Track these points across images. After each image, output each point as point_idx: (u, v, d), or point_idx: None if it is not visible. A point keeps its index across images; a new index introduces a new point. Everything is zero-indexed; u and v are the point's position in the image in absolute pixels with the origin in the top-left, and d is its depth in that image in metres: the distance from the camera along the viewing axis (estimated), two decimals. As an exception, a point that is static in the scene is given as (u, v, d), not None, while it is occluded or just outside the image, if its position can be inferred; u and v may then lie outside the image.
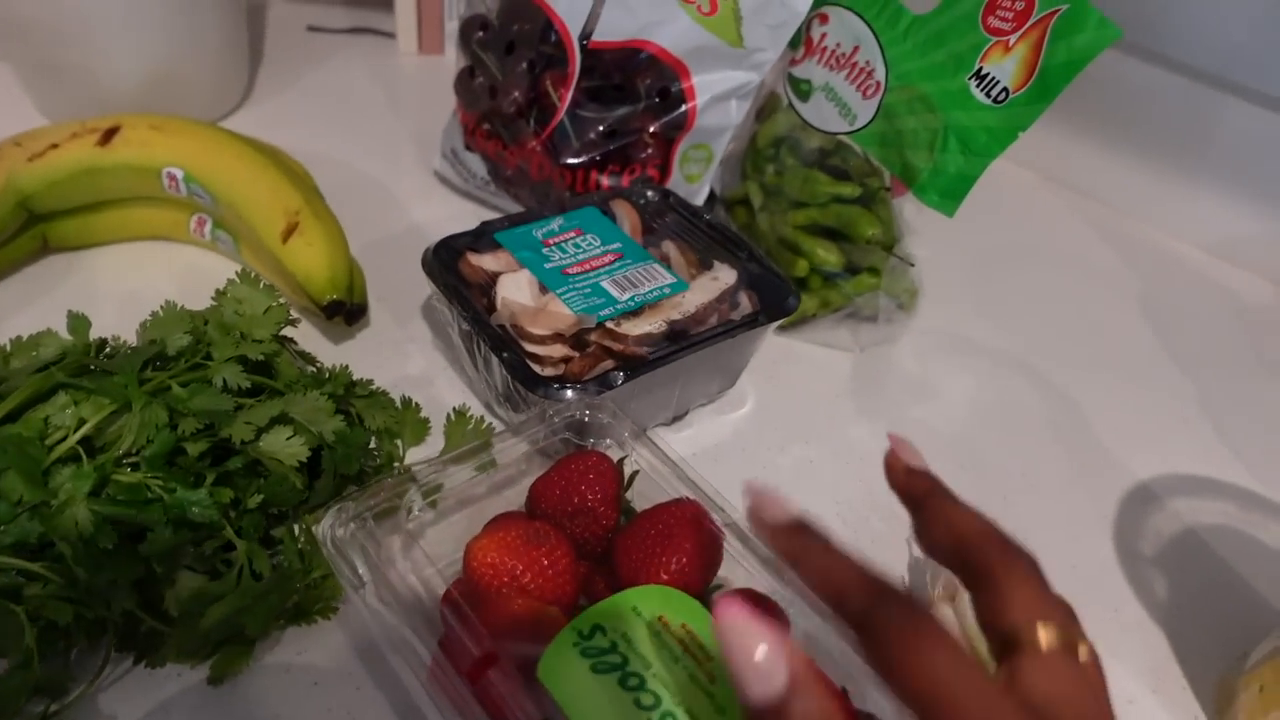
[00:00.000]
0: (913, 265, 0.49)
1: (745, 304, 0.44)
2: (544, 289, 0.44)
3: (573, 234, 0.46)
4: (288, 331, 0.39)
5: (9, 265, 0.47)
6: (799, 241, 0.50)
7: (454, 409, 0.39)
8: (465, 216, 0.58)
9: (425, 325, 0.49)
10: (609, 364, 0.40)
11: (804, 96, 0.52)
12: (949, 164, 0.44)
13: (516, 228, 0.47)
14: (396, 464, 0.38)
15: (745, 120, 0.54)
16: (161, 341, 0.35)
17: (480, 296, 0.42)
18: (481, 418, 0.39)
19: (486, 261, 0.45)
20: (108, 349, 0.36)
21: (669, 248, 0.46)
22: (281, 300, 0.38)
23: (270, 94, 0.67)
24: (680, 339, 0.41)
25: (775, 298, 0.44)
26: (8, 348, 0.35)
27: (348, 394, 0.38)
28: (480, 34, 0.54)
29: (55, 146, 0.45)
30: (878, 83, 0.47)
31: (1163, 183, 0.67)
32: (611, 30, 0.48)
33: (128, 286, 0.48)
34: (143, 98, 0.56)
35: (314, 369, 0.39)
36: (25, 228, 0.47)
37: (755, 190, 0.54)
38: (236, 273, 0.38)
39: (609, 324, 0.41)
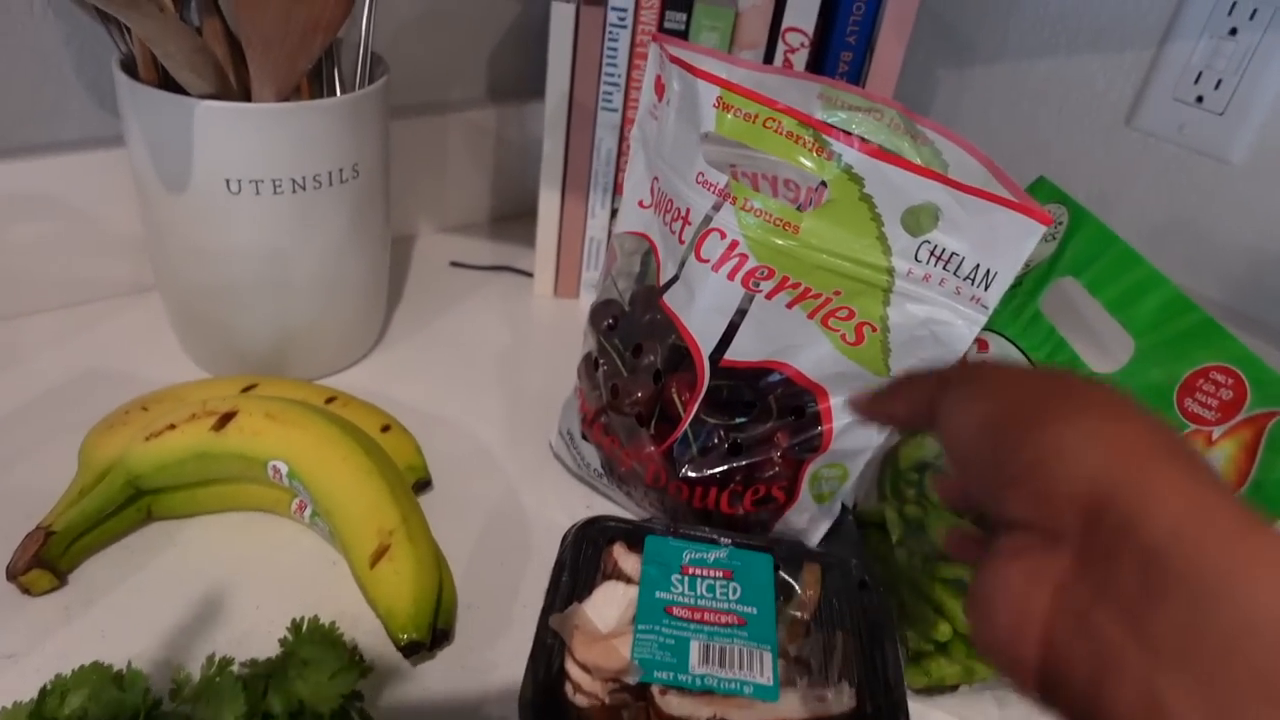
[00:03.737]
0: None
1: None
2: (632, 619, 0.40)
3: (720, 574, 0.42)
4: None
5: (111, 537, 0.46)
6: (943, 601, 0.44)
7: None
8: (574, 504, 0.54)
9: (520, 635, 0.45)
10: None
11: (956, 430, 0.47)
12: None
13: (673, 539, 0.43)
14: None
15: (888, 438, 0.49)
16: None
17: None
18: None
19: (627, 562, 0.42)
20: (161, 706, 0.33)
21: (838, 641, 0.41)
22: (356, 656, 0.34)
23: (404, 335, 0.67)
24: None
25: None
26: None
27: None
28: (609, 322, 0.52)
29: (173, 428, 0.45)
30: (1045, 442, 0.42)
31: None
32: (745, 351, 0.45)
33: (226, 561, 0.47)
34: (278, 352, 0.57)
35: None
36: (131, 500, 0.46)
37: (894, 519, 0.48)
38: (307, 623, 0.35)
39: (654, 689, 0.36)
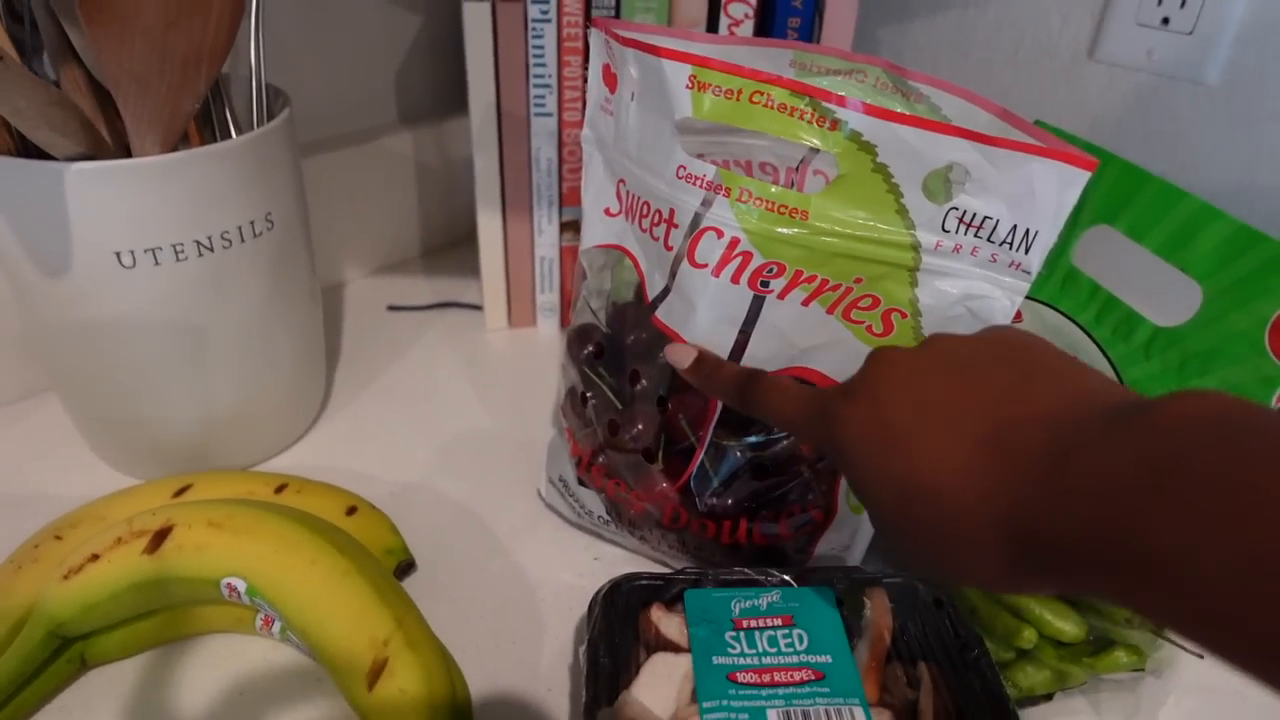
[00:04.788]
0: (1200, 656, 0.37)
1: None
2: (694, 695, 0.33)
3: (779, 621, 0.36)
4: None
5: (40, 699, 0.38)
6: (1022, 604, 0.39)
7: None
8: (580, 559, 0.48)
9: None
10: None
11: (1002, 413, 0.42)
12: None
13: (715, 589, 0.37)
14: None
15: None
16: None
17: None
18: None
19: (670, 625, 0.36)
20: None
21: (923, 673, 0.35)
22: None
23: (350, 397, 0.59)
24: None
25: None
26: None
27: None
28: (590, 350, 0.46)
29: (96, 558, 0.37)
30: (1117, 414, 0.37)
31: None
32: (761, 361, 0.39)
33: (188, 703, 0.39)
34: (207, 442, 0.49)
35: None
36: (58, 651, 0.38)
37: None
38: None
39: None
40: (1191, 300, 0.36)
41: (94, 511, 0.43)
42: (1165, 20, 0.58)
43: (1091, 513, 0.20)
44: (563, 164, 0.61)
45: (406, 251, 0.76)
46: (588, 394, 0.46)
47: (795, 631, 0.35)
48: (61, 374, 0.48)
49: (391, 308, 0.69)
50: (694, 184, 0.37)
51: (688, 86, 0.36)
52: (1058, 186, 0.34)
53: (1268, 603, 0.17)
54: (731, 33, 0.57)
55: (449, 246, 0.79)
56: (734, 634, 0.35)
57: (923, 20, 0.71)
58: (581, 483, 0.47)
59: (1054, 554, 0.22)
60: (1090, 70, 0.63)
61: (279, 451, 0.53)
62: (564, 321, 0.68)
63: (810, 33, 0.57)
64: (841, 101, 0.34)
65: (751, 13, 0.56)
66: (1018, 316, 0.42)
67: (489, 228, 0.63)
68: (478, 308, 0.70)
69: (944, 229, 0.36)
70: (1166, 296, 0.37)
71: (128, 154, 0.43)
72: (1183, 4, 0.57)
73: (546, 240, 0.63)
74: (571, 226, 0.63)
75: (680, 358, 0.38)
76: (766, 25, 0.57)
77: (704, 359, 0.37)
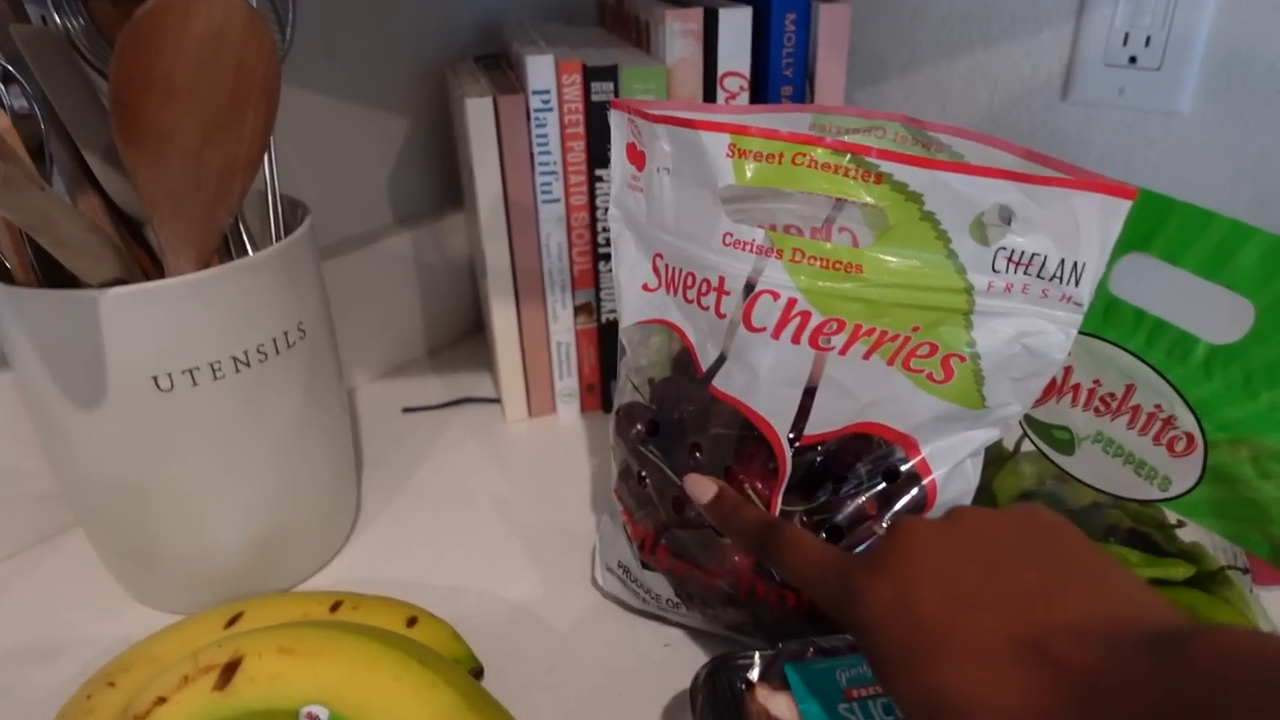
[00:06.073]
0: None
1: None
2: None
3: None
4: None
5: None
6: None
7: None
8: (649, 646, 0.46)
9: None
10: None
11: (1064, 447, 0.42)
12: (1358, 546, 0.33)
13: (816, 662, 0.36)
14: None
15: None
16: None
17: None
18: None
19: (778, 704, 0.35)
20: None
21: None
22: None
23: (380, 505, 0.58)
24: None
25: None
26: None
27: None
28: (639, 429, 0.45)
29: (162, 701, 0.35)
30: (1188, 435, 0.37)
31: None
32: (828, 421, 0.39)
33: None
34: (249, 565, 0.47)
35: None
36: (126, 808, 0.35)
37: (1017, 562, 0.42)
38: None
39: None
40: (1244, 316, 0.36)
41: (145, 652, 0.40)
42: (1133, 59, 0.61)
43: None
44: (572, 248, 0.61)
45: (413, 352, 0.75)
46: (643, 473, 0.45)
47: (905, 694, 0.34)
48: (93, 510, 0.46)
49: (406, 409, 0.68)
50: (743, 249, 0.38)
51: (728, 155, 0.37)
52: (1100, 217, 0.35)
53: None
54: (729, 105, 0.58)
55: (454, 343, 0.78)
56: (846, 705, 0.34)
57: (897, 80, 0.74)
58: (645, 565, 0.45)
59: None
60: (1066, 111, 0.66)
61: (320, 568, 0.51)
62: (584, 406, 0.67)
63: (803, 100, 0.59)
64: (882, 155, 0.35)
65: (746, 85, 0.58)
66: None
67: (503, 318, 0.63)
68: (494, 401, 0.69)
69: (994, 269, 0.36)
70: (1217, 315, 0.37)
71: (149, 276, 0.42)
72: (1147, 43, 0.60)
73: (562, 326, 0.63)
74: (584, 309, 0.63)
75: (699, 491, 0.39)
76: (761, 96, 0.58)
77: (724, 496, 0.38)
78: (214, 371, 0.41)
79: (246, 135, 0.38)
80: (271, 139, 0.47)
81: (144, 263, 0.45)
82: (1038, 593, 0.25)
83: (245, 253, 0.48)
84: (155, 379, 0.40)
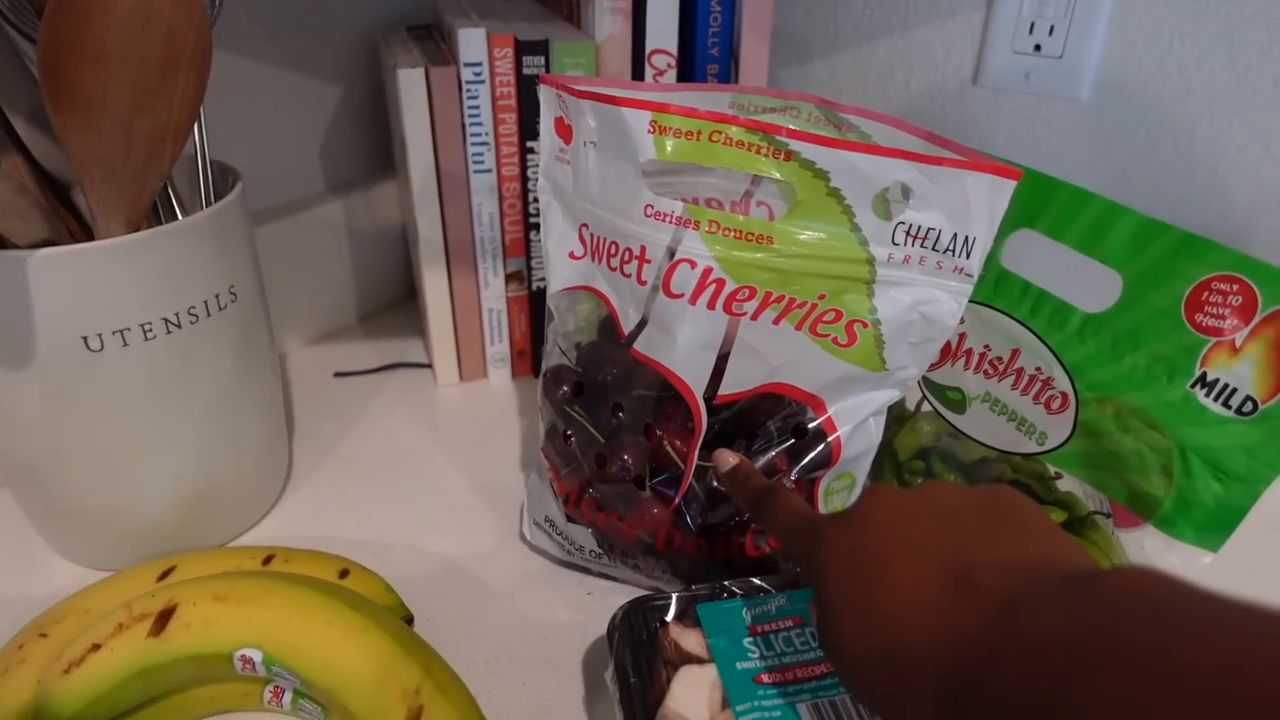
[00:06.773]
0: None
1: None
2: (725, 701, 0.35)
3: (791, 623, 0.38)
4: None
5: (41, 807, 0.37)
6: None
7: None
8: (573, 595, 0.49)
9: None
10: None
11: (956, 406, 0.45)
12: (1201, 492, 0.37)
13: (724, 601, 0.39)
14: None
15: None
16: None
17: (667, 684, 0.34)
18: None
19: (688, 640, 0.37)
20: None
21: None
22: None
23: (312, 466, 0.59)
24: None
25: None
26: None
27: None
28: (566, 390, 0.48)
29: (97, 648, 0.36)
30: (1063, 394, 0.41)
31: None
32: (740, 381, 0.42)
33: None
34: (181, 522, 0.48)
35: None
36: (61, 752, 0.37)
37: (914, 514, 0.46)
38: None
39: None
40: (1113, 287, 0.40)
41: (76, 605, 0.41)
42: (1038, 47, 0.65)
43: (1026, 668, 0.21)
44: (504, 217, 0.63)
45: (344, 318, 0.76)
46: (568, 432, 0.47)
47: (808, 630, 0.37)
48: (21, 469, 0.46)
49: (338, 374, 0.69)
50: (663, 220, 0.40)
51: (649, 131, 0.39)
52: (989, 196, 0.38)
53: None
54: (656, 81, 0.60)
55: (386, 309, 0.79)
56: (751, 640, 0.37)
57: (820, 61, 0.77)
58: (571, 519, 0.48)
59: (985, 709, 0.22)
60: (976, 95, 0.69)
61: (251, 526, 0.53)
62: (515, 371, 0.69)
63: (727, 78, 0.61)
64: (791, 134, 0.38)
65: (674, 63, 0.60)
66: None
67: (435, 285, 0.64)
68: (426, 366, 0.70)
69: (894, 242, 0.39)
70: (1091, 286, 0.41)
71: (78, 238, 0.42)
72: (1050, 31, 0.64)
73: (494, 292, 0.65)
74: (515, 277, 0.65)
75: (724, 461, 0.42)
76: (688, 73, 0.60)
77: (741, 467, 0.41)
78: (145, 332, 0.42)
79: (177, 102, 0.39)
80: (202, 106, 0.48)
81: (70, 225, 0.46)
82: (974, 539, 0.27)
83: (175, 218, 0.49)
84: (85, 339, 0.41)
